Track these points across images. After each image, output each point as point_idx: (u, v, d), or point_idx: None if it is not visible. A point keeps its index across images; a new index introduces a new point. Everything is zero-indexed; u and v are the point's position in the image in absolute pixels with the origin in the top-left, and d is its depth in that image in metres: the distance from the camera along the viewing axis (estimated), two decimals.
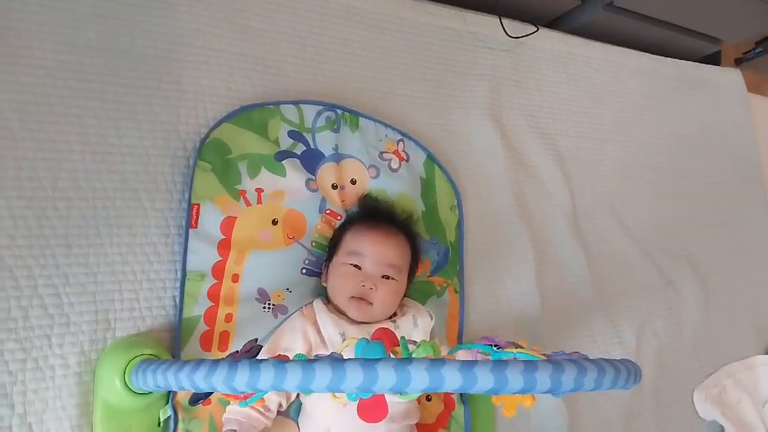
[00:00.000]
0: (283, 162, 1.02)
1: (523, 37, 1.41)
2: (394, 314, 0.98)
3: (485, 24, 1.39)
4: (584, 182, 1.46)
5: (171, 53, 1.01)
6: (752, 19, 1.65)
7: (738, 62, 1.98)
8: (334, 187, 1.06)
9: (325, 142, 1.08)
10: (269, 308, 0.97)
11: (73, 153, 0.90)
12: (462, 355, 0.87)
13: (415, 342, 0.74)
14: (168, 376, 0.68)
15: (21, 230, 0.85)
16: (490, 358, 0.76)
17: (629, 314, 1.41)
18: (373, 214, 1.03)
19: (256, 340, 0.76)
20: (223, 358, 0.63)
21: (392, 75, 1.24)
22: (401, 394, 0.57)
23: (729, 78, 1.87)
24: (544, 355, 0.70)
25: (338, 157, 1.08)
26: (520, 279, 1.27)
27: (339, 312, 0.94)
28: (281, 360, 0.59)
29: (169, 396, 0.87)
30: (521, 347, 0.74)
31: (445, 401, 1.06)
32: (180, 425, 0.86)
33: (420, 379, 0.55)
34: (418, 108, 1.25)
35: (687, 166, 1.70)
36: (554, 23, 1.58)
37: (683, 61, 1.77)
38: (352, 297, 0.93)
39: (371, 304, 0.93)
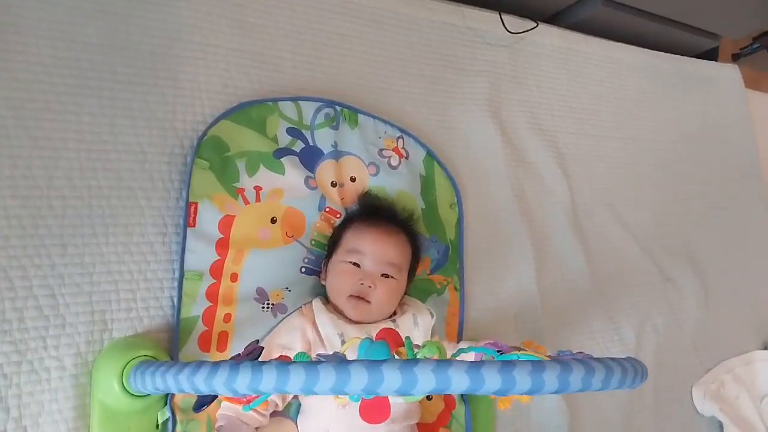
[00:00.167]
0: (281, 159, 1.01)
1: (522, 32, 1.41)
2: (394, 313, 0.97)
3: (484, 19, 1.38)
4: (583, 179, 1.46)
5: (168, 49, 0.99)
6: (750, 15, 1.65)
7: (735, 58, 1.97)
8: (334, 184, 1.05)
9: (324, 139, 1.07)
10: (268, 308, 0.95)
11: (69, 151, 0.89)
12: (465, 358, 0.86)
13: (418, 345, 0.72)
14: (167, 379, 0.67)
15: (15, 230, 0.83)
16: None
17: (629, 311, 1.41)
18: (373, 211, 1.02)
19: (258, 341, 0.75)
20: (225, 360, 0.62)
21: (390, 71, 1.23)
22: (406, 395, 0.56)
23: (727, 74, 1.87)
24: (548, 356, 0.70)
25: (337, 155, 1.07)
26: (520, 276, 1.26)
27: (338, 312, 0.93)
28: (283, 362, 0.58)
29: (168, 398, 0.86)
30: (524, 349, 0.73)
31: (445, 400, 1.05)
32: (178, 427, 0.85)
33: (426, 381, 0.54)
34: (417, 104, 1.24)
35: (686, 163, 1.70)
36: (553, 18, 1.57)
37: (681, 56, 1.77)
38: (350, 296, 0.92)
39: (369, 302, 0.92)
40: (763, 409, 1.48)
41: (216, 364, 0.61)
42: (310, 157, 1.04)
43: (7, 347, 0.80)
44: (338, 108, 1.10)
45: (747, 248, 1.73)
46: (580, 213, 1.42)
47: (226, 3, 1.06)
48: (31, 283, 0.83)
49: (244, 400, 0.69)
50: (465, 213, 1.20)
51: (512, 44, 1.41)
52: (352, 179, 1.08)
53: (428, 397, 1.03)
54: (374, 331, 0.79)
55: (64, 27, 0.92)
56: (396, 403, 0.82)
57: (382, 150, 1.12)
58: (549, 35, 1.49)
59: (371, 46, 1.21)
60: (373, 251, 0.93)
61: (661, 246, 1.54)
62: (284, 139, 1.03)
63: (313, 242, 1.01)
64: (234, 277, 0.94)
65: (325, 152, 1.06)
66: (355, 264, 0.93)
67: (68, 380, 0.83)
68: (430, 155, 1.18)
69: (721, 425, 1.42)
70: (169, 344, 0.89)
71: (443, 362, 0.55)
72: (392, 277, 0.94)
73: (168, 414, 0.85)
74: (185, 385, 0.63)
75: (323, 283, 0.99)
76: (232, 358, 0.68)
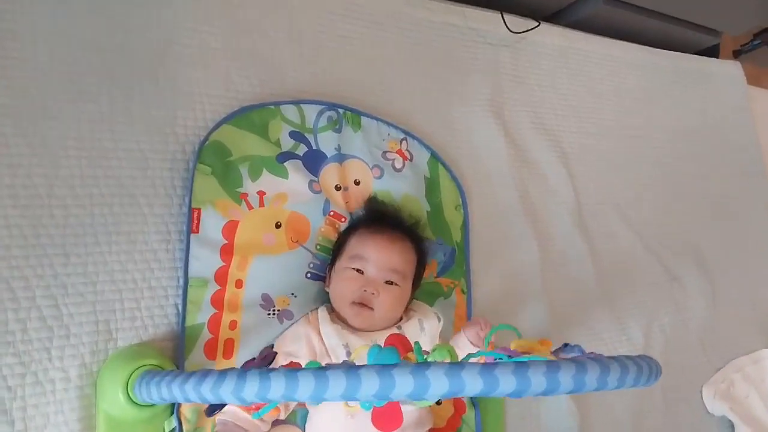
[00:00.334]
0: (285, 164, 1.00)
1: (524, 32, 1.40)
2: (399, 320, 0.96)
3: (486, 19, 1.37)
4: (587, 179, 1.45)
5: (167, 53, 0.99)
6: (751, 12, 1.65)
7: (736, 54, 1.97)
8: (338, 188, 1.04)
9: (327, 142, 1.06)
10: (274, 314, 0.94)
11: (70, 158, 0.88)
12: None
13: (427, 351, 0.71)
14: (173, 389, 0.65)
15: (17, 240, 0.82)
16: None
17: (636, 311, 1.40)
18: (378, 217, 1.00)
19: (272, 346, 0.74)
20: (232, 368, 0.60)
21: (392, 72, 1.22)
22: (418, 400, 0.55)
23: (729, 70, 1.87)
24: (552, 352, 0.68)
25: (341, 158, 1.06)
26: (525, 277, 1.25)
27: (342, 321, 0.92)
28: (292, 369, 0.57)
29: (174, 407, 0.84)
30: (529, 352, 0.72)
31: (455, 404, 1.04)
32: None
33: (439, 385, 0.52)
34: (418, 105, 1.23)
35: (688, 161, 1.69)
36: (554, 17, 1.57)
37: (683, 54, 1.76)
38: (353, 303, 0.91)
39: (372, 309, 0.90)
40: None
41: (223, 373, 0.59)
42: (313, 161, 1.03)
43: (11, 359, 0.79)
44: (341, 111, 1.09)
45: (752, 245, 1.72)
46: (584, 213, 1.41)
47: (224, 5, 1.05)
48: (34, 293, 0.82)
49: (253, 407, 0.68)
50: (470, 215, 1.19)
51: (513, 44, 1.41)
52: (357, 182, 1.07)
53: (438, 402, 1.02)
54: (379, 340, 0.77)
55: (61, 32, 0.91)
56: (408, 410, 0.81)
57: (385, 152, 1.11)
58: (550, 34, 1.48)
59: (372, 47, 1.21)
60: (376, 258, 0.92)
61: (666, 245, 1.53)
62: (287, 143, 1.02)
63: (318, 247, 1.00)
64: (239, 284, 0.92)
65: (329, 156, 1.05)
66: (358, 270, 0.92)
67: (73, 391, 0.81)
68: (435, 157, 1.17)
69: (731, 424, 1.41)
70: (175, 352, 0.88)
71: (456, 365, 0.53)
72: (396, 284, 0.92)
73: (174, 423, 0.84)
74: (192, 394, 0.62)
75: (327, 289, 0.98)
76: (245, 364, 0.67)
